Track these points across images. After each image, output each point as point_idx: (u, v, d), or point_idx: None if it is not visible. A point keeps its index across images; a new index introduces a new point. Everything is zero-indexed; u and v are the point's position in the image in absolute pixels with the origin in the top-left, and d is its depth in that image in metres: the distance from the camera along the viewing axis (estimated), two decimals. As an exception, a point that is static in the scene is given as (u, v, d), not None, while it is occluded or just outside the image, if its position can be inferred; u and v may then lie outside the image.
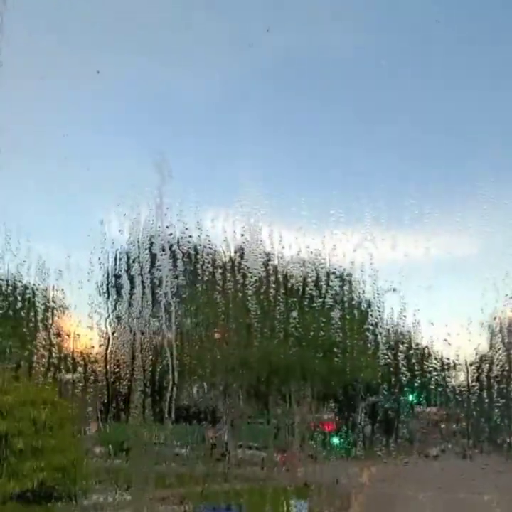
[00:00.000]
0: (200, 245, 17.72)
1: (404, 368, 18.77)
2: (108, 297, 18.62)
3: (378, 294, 18.60)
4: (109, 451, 20.32)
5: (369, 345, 20.11)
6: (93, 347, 17.76)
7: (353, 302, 20.16)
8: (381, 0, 25.32)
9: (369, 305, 19.97)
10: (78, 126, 24.67)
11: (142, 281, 15.71)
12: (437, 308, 17.51)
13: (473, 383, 18.62)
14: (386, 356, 19.35)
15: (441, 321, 17.74)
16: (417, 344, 20.48)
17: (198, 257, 17.88)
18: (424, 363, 19.33)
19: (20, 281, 19.01)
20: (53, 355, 17.24)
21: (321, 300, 19.18)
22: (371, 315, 19.87)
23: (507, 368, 17.75)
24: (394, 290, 19.51)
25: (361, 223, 17.57)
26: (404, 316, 18.24)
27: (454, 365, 19.78)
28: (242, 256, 18.06)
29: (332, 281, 18.98)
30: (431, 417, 27.36)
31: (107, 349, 16.66)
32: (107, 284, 18.42)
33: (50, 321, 18.34)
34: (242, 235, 17.10)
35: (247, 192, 18.38)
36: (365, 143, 23.72)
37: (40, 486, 13.17)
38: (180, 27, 25.28)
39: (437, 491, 19.46)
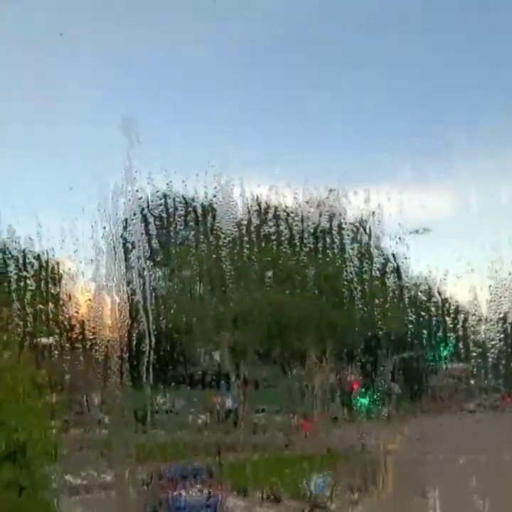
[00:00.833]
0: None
1: (434, 321, 17.81)
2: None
3: (402, 236, 16.22)
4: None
5: (393, 295, 17.82)
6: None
7: (375, 248, 18.12)
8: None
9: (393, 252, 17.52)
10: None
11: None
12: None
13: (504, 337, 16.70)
14: (413, 308, 17.97)
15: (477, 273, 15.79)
16: (445, 298, 18.22)
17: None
18: (454, 316, 18.10)
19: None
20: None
21: (336, 245, 16.88)
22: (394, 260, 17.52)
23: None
24: (424, 230, 17.82)
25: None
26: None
27: (486, 320, 17.78)
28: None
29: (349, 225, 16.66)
30: (459, 373, 25.88)
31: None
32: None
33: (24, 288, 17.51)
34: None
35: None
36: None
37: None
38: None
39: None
